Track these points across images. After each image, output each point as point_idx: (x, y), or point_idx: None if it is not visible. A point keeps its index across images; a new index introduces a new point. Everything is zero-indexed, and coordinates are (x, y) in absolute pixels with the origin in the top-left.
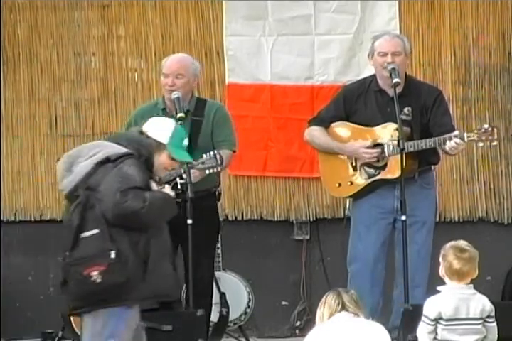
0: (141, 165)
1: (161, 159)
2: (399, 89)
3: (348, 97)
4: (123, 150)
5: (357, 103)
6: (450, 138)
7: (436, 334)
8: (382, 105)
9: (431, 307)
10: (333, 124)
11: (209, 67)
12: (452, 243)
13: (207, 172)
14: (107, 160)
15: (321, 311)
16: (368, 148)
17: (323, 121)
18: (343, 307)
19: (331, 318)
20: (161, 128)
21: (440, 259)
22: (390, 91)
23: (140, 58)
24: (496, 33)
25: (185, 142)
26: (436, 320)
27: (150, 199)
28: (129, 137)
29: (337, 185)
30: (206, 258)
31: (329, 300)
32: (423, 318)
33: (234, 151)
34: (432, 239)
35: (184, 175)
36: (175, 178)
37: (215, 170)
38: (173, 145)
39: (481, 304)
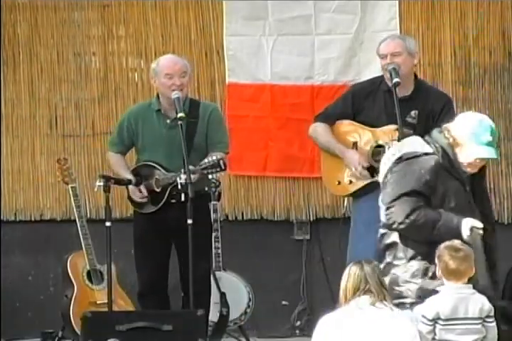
0: (430, 166)
1: (463, 158)
2: (408, 92)
3: (357, 95)
4: (424, 147)
5: (365, 102)
6: None
7: (435, 334)
8: (389, 105)
9: (429, 307)
10: (338, 122)
11: (209, 67)
12: (446, 243)
13: (210, 177)
14: (401, 159)
15: (345, 285)
16: (363, 167)
17: (329, 117)
18: (368, 291)
19: (355, 300)
20: (462, 126)
21: (436, 260)
22: (398, 92)
23: (140, 58)
24: (495, 33)
25: (487, 137)
26: (435, 320)
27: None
28: (432, 135)
29: (336, 182)
30: (203, 258)
31: (356, 280)
32: (421, 318)
33: (227, 153)
34: None
35: (183, 176)
36: (174, 181)
37: (218, 174)
38: (475, 142)
39: (479, 303)
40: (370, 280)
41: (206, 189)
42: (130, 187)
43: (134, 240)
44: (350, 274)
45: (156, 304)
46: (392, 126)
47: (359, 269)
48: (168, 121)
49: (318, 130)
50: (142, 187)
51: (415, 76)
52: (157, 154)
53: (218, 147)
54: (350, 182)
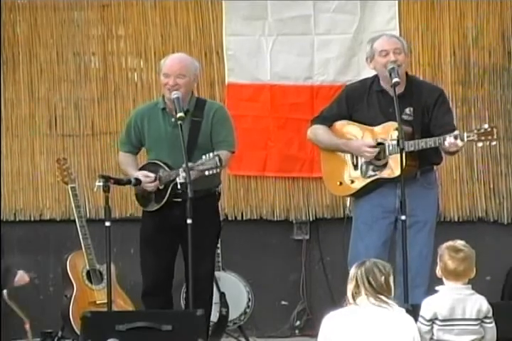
0: None
1: None
2: (400, 89)
3: (351, 96)
4: None
5: (359, 102)
6: (450, 137)
7: (433, 334)
8: (384, 105)
9: (427, 307)
10: (335, 123)
11: (209, 67)
12: (449, 243)
13: (206, 173)
14: None
15: (348, 285)
16: (371, 147)
17: (326, 119)
18: (369, 291)
19: (357, 300)
20: None
21: (437, 260)
22: (392, 92)
23: (140, 58)
24: (495, 33)
25: None
26: (432, 321)
27: None
28: None
29: (338, 183)
30: (206, 258)
31: (356, 280)
32: (419, 319)
33: (233, 152)
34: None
35: (183, 175)
36: (174, 179)
37: (214, 171)
38: None
39: (477, 304)
40: (370, 280)
41: (217, 188)
42: (142, 178)
43: (140, 239)
44: (352, 274)
45: (160, 303)
46: (391, 123)
47: (359, 269)
48: (172, 119)
49: (318, 131)
50: (147, 172)
51: (406, 73)
52: (162, 153)
53: (222, 145)
54: (352, 182)
